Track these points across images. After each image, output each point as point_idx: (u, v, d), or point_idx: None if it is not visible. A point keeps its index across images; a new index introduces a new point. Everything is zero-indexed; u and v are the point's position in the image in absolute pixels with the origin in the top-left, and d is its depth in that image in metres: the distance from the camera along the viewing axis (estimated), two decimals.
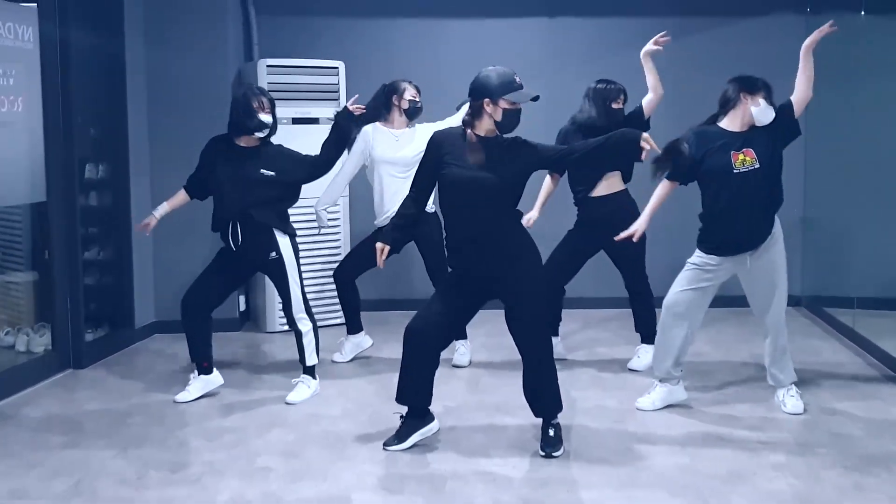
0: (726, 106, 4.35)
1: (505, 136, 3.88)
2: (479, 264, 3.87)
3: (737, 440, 4.08)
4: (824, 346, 5.82)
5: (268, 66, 6.14)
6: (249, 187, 4.55)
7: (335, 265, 5.72)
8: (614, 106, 5.07)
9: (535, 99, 3.79)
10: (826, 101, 6.52)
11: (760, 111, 4.26)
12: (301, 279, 4.78)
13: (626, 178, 5.18)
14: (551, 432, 3.95)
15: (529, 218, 5.12)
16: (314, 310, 4.89)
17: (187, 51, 6.16)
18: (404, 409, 4.06)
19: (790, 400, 4.46)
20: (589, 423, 4.29)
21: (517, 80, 3.82)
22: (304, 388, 4.74)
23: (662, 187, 4.43)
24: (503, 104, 3.77)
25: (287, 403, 4.66)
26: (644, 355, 5.15)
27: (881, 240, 5.58)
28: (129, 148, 5.97)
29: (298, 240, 4.82)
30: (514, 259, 3.87)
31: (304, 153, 4.73)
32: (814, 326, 6.35)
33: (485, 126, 3.84)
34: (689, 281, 4.39)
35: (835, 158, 6.32)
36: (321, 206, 5.30)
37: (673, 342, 4.46)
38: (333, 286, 5.54)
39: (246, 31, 6.68)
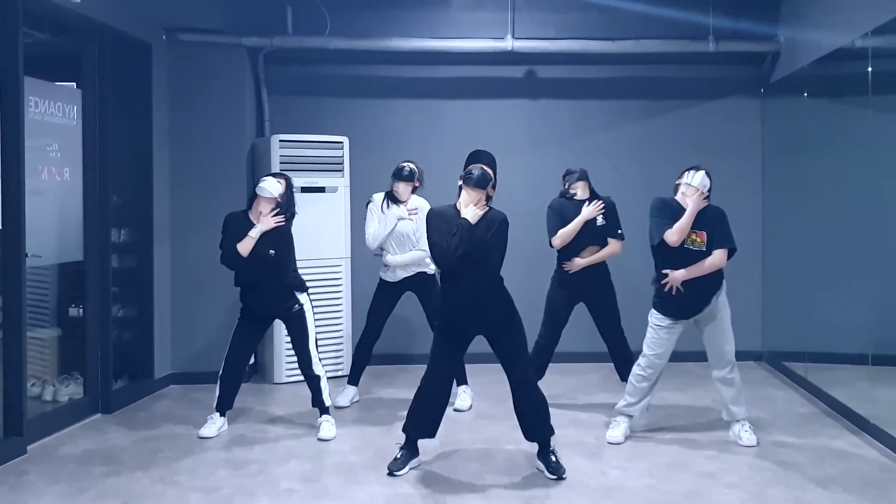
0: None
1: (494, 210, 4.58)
2: (474, 319, 4.57)
3: (697, 466, 4.71)
4: (780, 393, 6.46)
5: (280, 140, 6.84)
6: (263, 263, 5.21)
7: (335, 319, 6.38)
8: (571, 190, 5.85)
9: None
10: (778, 175, 7.30)
11: (690, 177, 5.00)
12: (315, 330, 5.41)
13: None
14: (553, 458, 4.60)
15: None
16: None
17: (207, 128, 6.85)
18: (402, 440, 4.72)
19: (745, 434, 5.09)
20: (570, 455, 4.89)
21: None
22: (329, 425, 5.35)
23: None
24: None
25: (321, 440, 5.26)
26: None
27: (829, 302, 6.23)
28: (154, 214, 6.59)
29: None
30: (502, 313, 4.58)
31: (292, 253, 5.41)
32: (772, 378, 7.00)
33: None
34: (653, 344, 5.12)
35: (789, 227, 7.01)
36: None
37: (644, 392, 5.17)
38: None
39: (258, 109, 7.40)
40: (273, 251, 5.23)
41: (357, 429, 5.53)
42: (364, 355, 6.11)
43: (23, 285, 4.98)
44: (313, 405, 5.42)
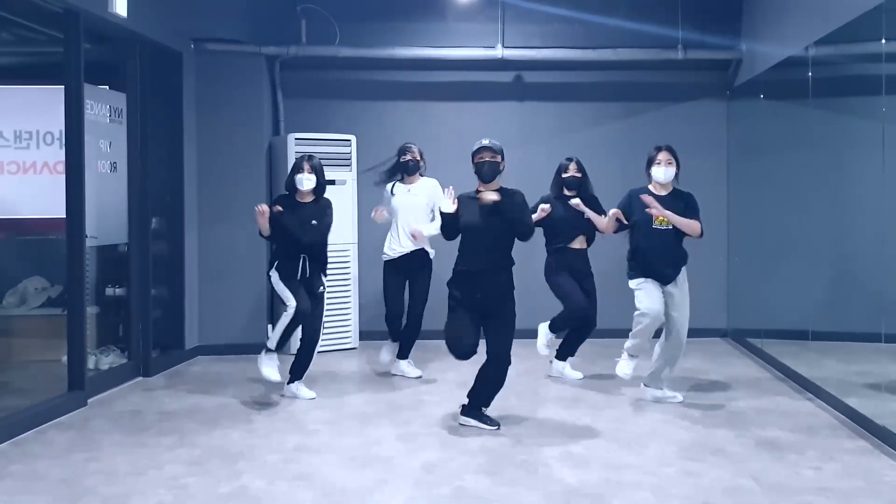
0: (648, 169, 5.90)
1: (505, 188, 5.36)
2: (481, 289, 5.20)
3: (658, 415, 5.58)
4: (738, 362, 7.34)
5: (295, 138, 7.67)
6: (306, 231, 5.93)
7: (344, 295, 7.47)
8: (564, 175, 6.56)
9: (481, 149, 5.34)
10: (742, 170, 8.16)
11: (657, 170, 5.78)
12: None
13: (589, 243, 6.64)
14: (484, 415, 5.29)
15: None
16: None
17: (230, 128, 7.69)
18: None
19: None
20: (550, 406, 5.74)
21: (480, 143, 5.39)
22: (306, 388, 6.07)
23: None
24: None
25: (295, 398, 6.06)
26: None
27: (781, 287, 7.05)
28: (184, 205, 7.41)
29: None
30: (505, 288, 5.25)
31: (329, 221, 6.03)
32: (735, 351, 7.86)
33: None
34: (640, 297, 5.67)
35: (751, 219, 7.86)
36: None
37: (643, 336, 5.70)
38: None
39: (274, 111, 8.24)
40: (315, 221, 5.87)
41: (369, 387, 6.41)
42: (396, 325, 6.66)
43: (83, 261, 5.82)
44: (292, 370, 6.05)
